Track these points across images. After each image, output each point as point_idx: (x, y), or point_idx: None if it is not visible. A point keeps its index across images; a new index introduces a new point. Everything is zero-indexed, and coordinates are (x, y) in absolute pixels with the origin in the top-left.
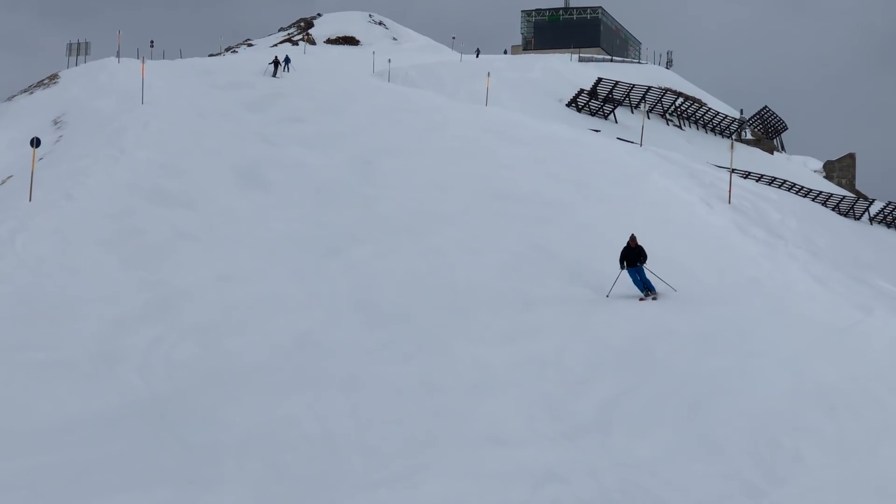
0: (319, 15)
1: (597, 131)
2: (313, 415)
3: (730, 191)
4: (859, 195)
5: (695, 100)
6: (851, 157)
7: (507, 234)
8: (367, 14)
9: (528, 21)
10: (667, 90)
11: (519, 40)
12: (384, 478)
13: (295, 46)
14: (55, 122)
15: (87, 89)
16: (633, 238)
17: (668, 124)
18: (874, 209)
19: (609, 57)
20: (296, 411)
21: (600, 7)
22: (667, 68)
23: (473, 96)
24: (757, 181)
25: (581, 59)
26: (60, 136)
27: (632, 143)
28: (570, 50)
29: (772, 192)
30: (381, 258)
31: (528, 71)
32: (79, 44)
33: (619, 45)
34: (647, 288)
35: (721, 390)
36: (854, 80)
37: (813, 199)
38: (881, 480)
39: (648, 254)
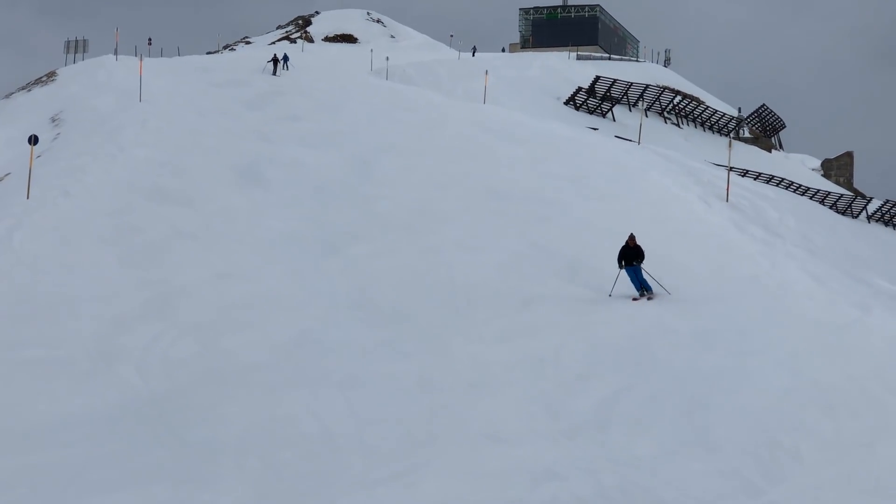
0: (317, 13)
1: (595, 129)
2: (312, 413)
3: (728, 189)
4: (857, 193)
5: (693, 98)
6: (849, 155)
7: (505, 233)
8: (366, 12)
9: (527, 19)
10: (665, 88)
11: (517, 38)
12: (383, 476)
13: (293, 44)
14: (53, 120)
15: (85, 87)
16: (631, 237)
17: (666, 122)
18: (872, 207)
19: (607, 55)
20: (294, 410)
21: (598, 5)
22: (665, 66)
23: (471, 94)
24: (755, 179)
25: (579, 58)
26: (58, 134)
27: (630, 141)
28: (569, 48)
29: (770, 190)
30: (379, 257)
31: (527, 69)
32: (77, 41)
33: (618, 43)
34: (643, 288)
35: (719, 389)
36: (852, 78)
37: (811, 198)
38: (879, 479)
39: (647, 252)
